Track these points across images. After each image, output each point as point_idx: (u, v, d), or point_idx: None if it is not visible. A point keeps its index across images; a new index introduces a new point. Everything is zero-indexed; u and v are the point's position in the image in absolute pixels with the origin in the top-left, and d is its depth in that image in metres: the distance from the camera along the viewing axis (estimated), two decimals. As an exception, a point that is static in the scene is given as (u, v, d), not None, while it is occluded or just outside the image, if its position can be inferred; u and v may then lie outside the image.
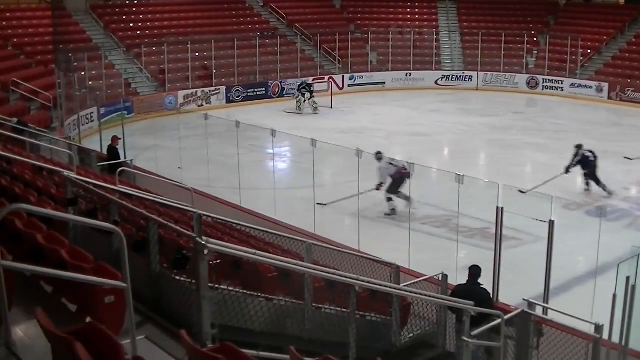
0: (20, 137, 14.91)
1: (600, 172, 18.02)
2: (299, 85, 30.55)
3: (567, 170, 18.22)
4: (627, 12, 36.47)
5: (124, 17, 34.11)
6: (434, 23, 38.80)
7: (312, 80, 32.11)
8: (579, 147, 18.41)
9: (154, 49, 31.52)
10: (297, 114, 29.40)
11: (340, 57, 35.57)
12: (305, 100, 29.56)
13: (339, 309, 7.26)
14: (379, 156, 16.73)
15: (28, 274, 5.58)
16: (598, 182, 17.94)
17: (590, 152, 18.18)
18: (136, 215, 7.17)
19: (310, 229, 13.69)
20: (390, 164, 16.56)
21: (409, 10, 40.16)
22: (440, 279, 9.60)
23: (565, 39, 34.71)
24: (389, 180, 16.45)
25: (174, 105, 29.71)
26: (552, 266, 10.13)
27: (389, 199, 16.52)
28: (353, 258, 10.32)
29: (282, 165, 21.59)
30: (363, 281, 7.16)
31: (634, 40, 34.86)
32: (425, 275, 10.15)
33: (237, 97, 32.11)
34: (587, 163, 18.05)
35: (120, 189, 9.21)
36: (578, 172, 18.37)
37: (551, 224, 9.80)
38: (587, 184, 18.25)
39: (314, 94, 29.85)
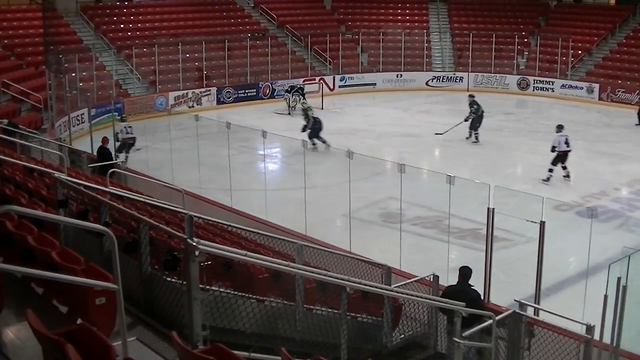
0: (11, 138, 14.85)
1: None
2: (291, 88, 30.37)
3: (304, 129, 22.76)
4: (618, 12, 36.64)
5: (115, 19, 34.01)
6: (425, 24, 38.82)
7: (303, 82, 32.06)
8: (307, 109, 23.91)
9: (145, 50, 31.47)
10: (288, 114, 29.34)
11: (331, 58, 35.55)
12: (299, 102, 29.40)
13: (330, 310, 7.26)
14: (122, 118, 21.37)
15: (19, 276, 5.57)
16: (319, 138, 22.54)
17: (315, 117, 23.20)
18: (127, 217, 7.15)
19: (302, 230, 13.68)
20: (126, 130, 20.79)
21: (399, 11, 40.19)
22: (431, 280, 9.61)
23: (556, 39, 34.81)
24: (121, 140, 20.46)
25: (164, 106, 29.64)
26: (543, 267, 10.15)
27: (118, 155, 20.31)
28: (344, 259, 10.32)
29: (273, 167, 21.58)
30: (354, 282, 7.17)
31: (624, 41, 35.02)
32: (417, 276, 10.15)
33: (228, 98, 32.06)
34: (315, 122, 22.88)
35: (111, 191, 9.17)
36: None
37: (542, 224, 9.82)
38: (313, 143, 22.25)
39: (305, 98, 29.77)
